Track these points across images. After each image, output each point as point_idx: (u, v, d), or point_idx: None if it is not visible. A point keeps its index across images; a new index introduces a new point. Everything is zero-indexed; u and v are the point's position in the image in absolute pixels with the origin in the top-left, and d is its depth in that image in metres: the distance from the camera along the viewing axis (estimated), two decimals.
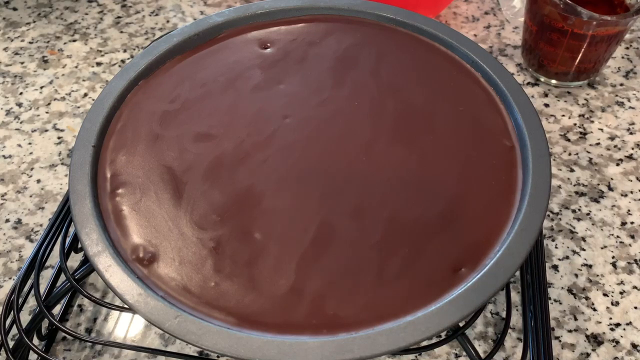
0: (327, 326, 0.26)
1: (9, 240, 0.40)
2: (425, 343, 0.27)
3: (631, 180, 0.43)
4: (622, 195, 0.42)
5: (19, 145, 0.45)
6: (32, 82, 0.50)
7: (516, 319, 0.36)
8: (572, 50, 0.46)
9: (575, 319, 0.36)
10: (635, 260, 0.39)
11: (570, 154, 0.45)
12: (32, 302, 0.36)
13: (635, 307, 0.37)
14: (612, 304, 0.37)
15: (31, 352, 0.32)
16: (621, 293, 0.37)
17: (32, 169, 0.44)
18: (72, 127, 0.47)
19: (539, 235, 0.30)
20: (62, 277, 0.34)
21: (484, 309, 0.35)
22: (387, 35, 0.37)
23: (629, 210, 0.41)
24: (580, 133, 0.46)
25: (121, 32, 0.55)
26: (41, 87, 0.50)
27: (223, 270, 0.27)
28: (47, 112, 0.48)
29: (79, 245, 0.36)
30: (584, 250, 0.39)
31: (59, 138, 0.46)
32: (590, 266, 0.38)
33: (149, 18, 0.56)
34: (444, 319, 0.25)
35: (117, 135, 0.32)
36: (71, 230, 0.36)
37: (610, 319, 0.36)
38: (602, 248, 0.39)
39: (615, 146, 0.45)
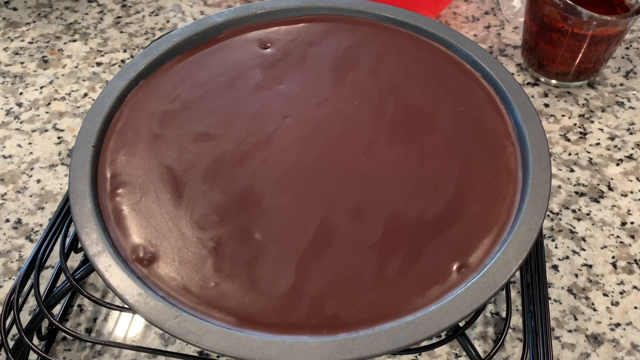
0: (327, 326, 0.26)
1: (9, 240, 0.40)
2: (425, 343, 0.27)
3: (631, 180, 0.43)
4: (622, 195, 0.42)
5: (19, 145, 0.45)
6: (32, 82, 0.50)
7: (516, 319, 0.36)
8: (572, 50, 0.46)
9: (575, 319, 0.36)
10: (635, 260, 0.39)
11: (570, 154, 0.45)
12: (32, 302, 0.36)
13: (635, 307, 0.37)
14: (612, 304, 0.37)
15: (31, 352, 0.32)
16: (621, 293, 0.37)
17: (32, 169, 0.44)
18: (72, 127, 0.47)
19: (539, 235, 0.30)
20: (62, 277, 0.34)
21: (484, 309, 0.35)
22: (387, 35, 0.37)
23: (629, 210, 0.41)
24: (580, 133, 0.46)
25: (121, 32, 0.55)
26: (41, 87, 0.50)
27: (223, 270, 0.27)
28: (47, 112, 0.48)
29: (79, 245, 0.36)
30: (584, 250, 0.39)
31: (59, 138, 0.46)
32: (590, 266, 0.38)
33: (149, 18, 0.56)
34: (444, 319, 0.25)
35: (117, 135, 0.32)
36: (71, 230, 0.36)
37: (610, 319, 0.36)
38: (602, 248, 0.39)
39: (615, 146, 0.45)
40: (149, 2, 0.57)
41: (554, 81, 0.49)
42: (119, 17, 0.56)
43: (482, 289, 0.26)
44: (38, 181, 0.43)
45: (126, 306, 0.26)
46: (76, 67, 0.51)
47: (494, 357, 0.29)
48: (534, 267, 0.34)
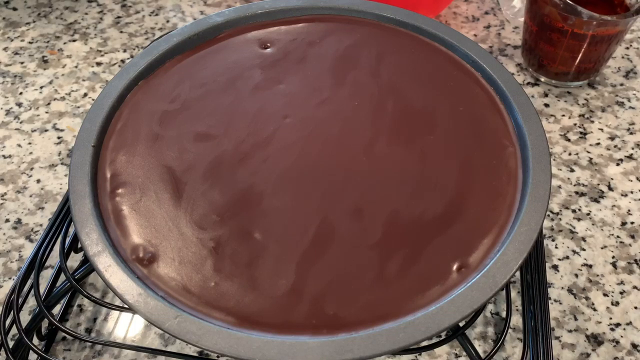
0: (327, 326, 0.26)
1: (9, 240, 0.40)
2: (425, 343, 0.27)
3: (631, 180, 0.43)
4: (622, 195, 0.42)
5: (19, 145, 0.45)
6: (32, 82, 0.50)
7: (516, 319, 0.36)
8: (572, 50, 0.46)
9: (575, 319, 0.36)
10: (635, 260, 0.39)
11: (570, 154, 0.45)
12: (32, 302, 0.36)
13: (635, 307, 0.37)
14: (612, 304, 0.37)
15: (31, 352, 0.32)
16: (621, 293, 0.37)
17: (32, 169, 0.44)
18: (72, 127, 0.47)
19: (539, 235, 0.30)
20: (62, 277, 0.34)
21: (484, 309, 0.35)
22: (387, 35, 0.37)
23: (629, 210, 0.41)
24: (580, 133, 0.46)
25: (121, 32, 0.54)
26: (41, 87, 0.50)
27: (223, 270, 0.27)
28: (47, 112, 0.48)
29: (79, 245, 0.36)
30: (584, 250, 0.39)
31: (58, 138, 0.46)
32: (590, 266, 0.38)
33: (149, 18, 0.56)
34: (444, 319, 0.25)
35: (117, 135, 0.32)
36: (71, 230, 0.36)
37: (610, 319, 0.36)
38: (602, 248, 0.39)
39: (615, 146, 0.45)
40: (149, 2, 0.57)
41: (554, 81, 0.49)
42: (118, 17, 0.56)
43: (482, 289, 0.26)
44: (38, 181, 0.43)
45: (126, 306, 0.26)
46: (76, 67, 0.51)
47: (494, 357, 0.29)
48: (534, 267, 0.34)
